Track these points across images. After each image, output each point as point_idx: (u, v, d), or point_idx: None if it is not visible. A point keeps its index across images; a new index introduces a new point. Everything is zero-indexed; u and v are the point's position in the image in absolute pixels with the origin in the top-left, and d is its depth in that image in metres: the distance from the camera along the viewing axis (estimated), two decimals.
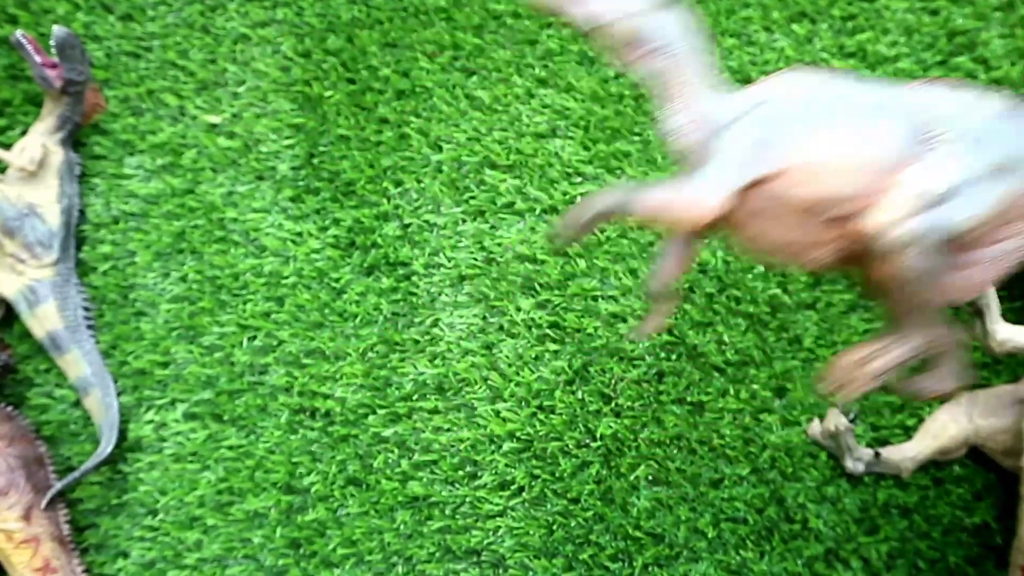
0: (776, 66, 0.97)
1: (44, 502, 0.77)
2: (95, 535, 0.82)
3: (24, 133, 0.98)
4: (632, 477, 0.80)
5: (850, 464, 0.79)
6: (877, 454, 0.78)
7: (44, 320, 0.86)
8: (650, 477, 0.80)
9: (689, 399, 0.83)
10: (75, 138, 0.96)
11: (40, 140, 0.91)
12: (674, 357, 0.85)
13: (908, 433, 0.80)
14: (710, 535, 0.77)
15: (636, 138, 0.95)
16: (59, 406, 0.88)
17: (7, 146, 0.94)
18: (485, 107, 0.98)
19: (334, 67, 1.00)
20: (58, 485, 0.77)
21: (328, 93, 0.99)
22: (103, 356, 0.89)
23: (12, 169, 0.89)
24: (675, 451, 0.81)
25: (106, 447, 0.81)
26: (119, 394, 0.87)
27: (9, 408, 0.83)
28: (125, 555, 0.81)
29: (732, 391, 0.83)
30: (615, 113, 0.97)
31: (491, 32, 1.01)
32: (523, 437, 0.82)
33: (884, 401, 0.82)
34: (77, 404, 0.88)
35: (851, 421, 0.78)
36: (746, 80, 0.97)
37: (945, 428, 0.75)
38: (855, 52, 0.96)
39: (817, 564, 0.76)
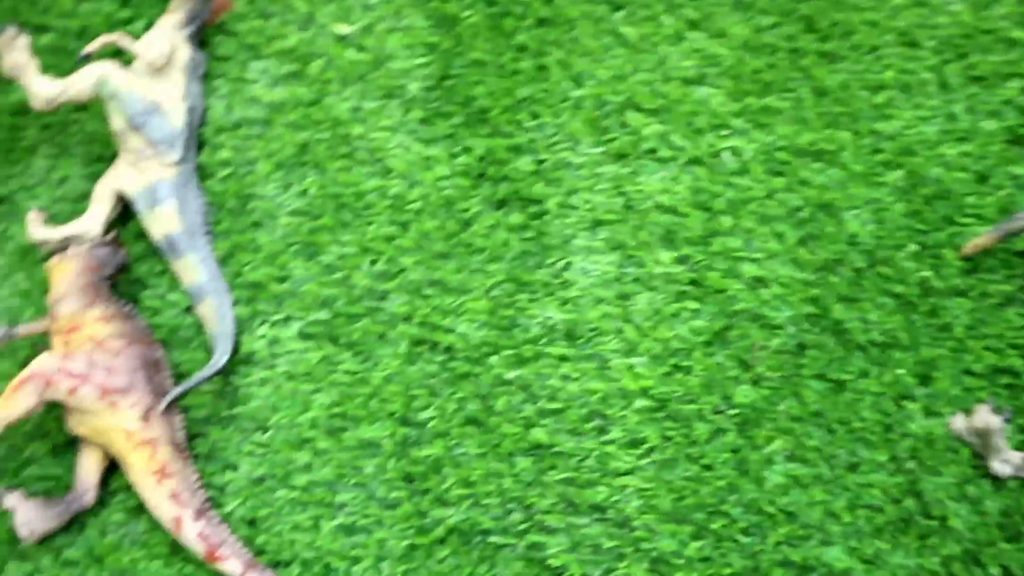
0: (948, 31, 0.90)
1: (163, 405, 0.74)
2: (204, 444, 0.80)
3: (149, 27, 0.94)
4: (768, 450, 0.76)
5: (996, 466, 0.75)
6: None
7: (162, 221, 0.83)
8: (786, 452, 0.76)
9: (829, 376, 0.79)
10: (201, 36, 0.92)
11: (167, 35, 0.86)
12: (817, 330, 0.80)
13: None
14: (845, 520, 0.74)
15: (788, 95, 0.90)
16: (171, 311, 0.85)
17: (134, 38, 0.90)
18: (631, 45, 0.92)
19: None
20: (177, 390, 0.75)
21: (466, 13, 0.93)
22: (217, 264, 0.86)
23: (139, 62, 0.85)
24: (813, 428, 0.77)
25: (221, 358, 0.78)
26: (234, 304, 0.84)
27: (129, 307, 0.80)
28: (234, 468, 0.79)
29: (874, 373, 0.79)
30: (767, 66, 0.91)
31: None
32: (657, 396, 0.78)
33: None
34: (189, 310, 0.85)
35: (1005, 420, 0.73)
36: (913, 44, 0.91)
37: None
38: None
39: (955, 564, 0.73)
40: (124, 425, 0.73)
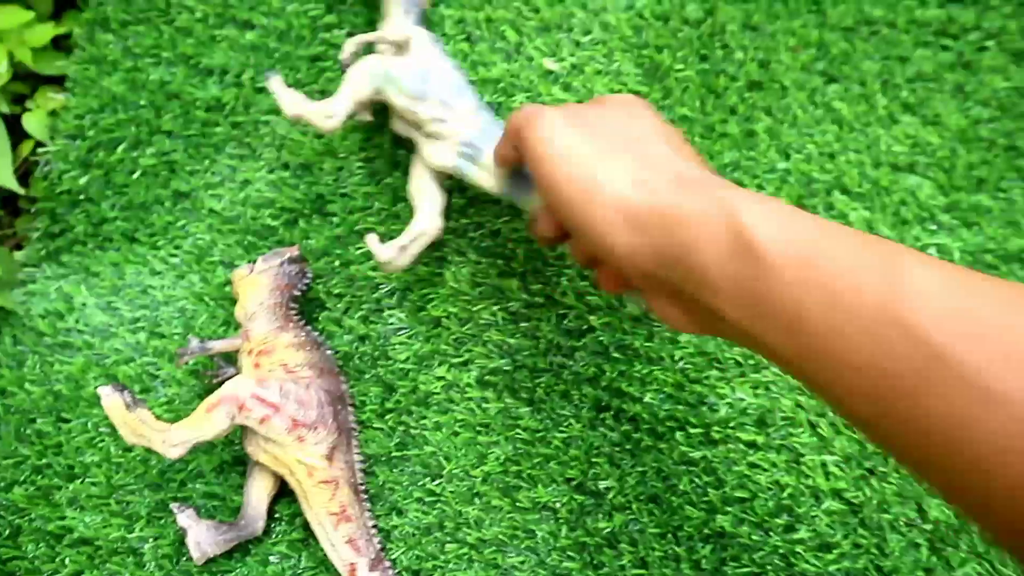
0: None
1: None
2: (373, 484, 0.78)
3: (351, 34, 0.91)
4: (960, 573, 0.73)
5: None
6: None
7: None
8: None
9: None
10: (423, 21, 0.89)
11: (400, 21, 0.81)
12: None
13: None
14: None
15: (1001, 195, 0.86)
16: (346, 336, 0.83)
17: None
18: (843, 122, 0.89)
19: (689, 39, 0.91)
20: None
21: (678, 66, 0.90)
22: (397, 295, 0.84)
23: (384, 47, 0.78)
24: (1008, 555, 0.74)
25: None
26: (411, 336, 0.82)
27: (318, 335, 0.78)
28: (401, 513, 0.77)
29: None
30: (982, 161, 0.87)
31: (862, 38, 0.92)
32: (850, 499, 0.75)
33: None
34: (365, 339, 0.83)
35: None
36: None
37: None
38: None
39: None
40: (308, 460, 0.71)
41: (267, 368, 0.74)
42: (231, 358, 0.81)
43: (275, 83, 0.74)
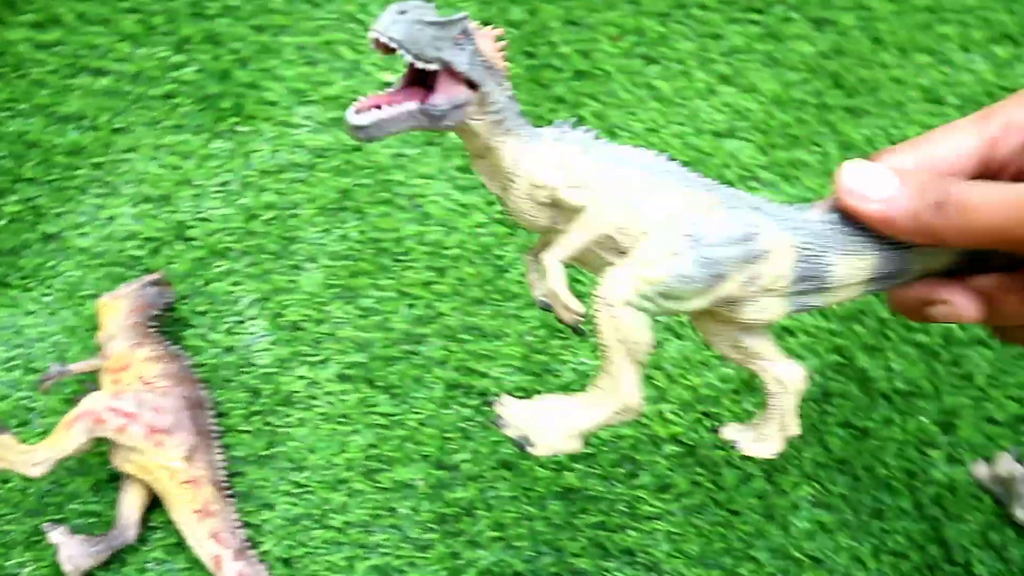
0: (971, 89, 0.93)
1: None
2: (242, 483, 0.82)
3: (201, 71, 0.97)
4: (794, 496, 0.78)
5: (1019, 513, 0.76)
6: None
7: None
8: (812, 498, 0.78)
9: (855, 423, 0.80)
10: None
11: None
12: (842, 379, 0.82)
13: None
14: (870, 566, 0.75)
15: (816, 148, 0.92)
16: (212, 350, 0.88)
17: None
18: (664, 99, 0.95)
19: (515, 39, 0.97)
20: None
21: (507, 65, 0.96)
22: (257, 305, 0.89)
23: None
24: (838, 475, 0.78)
25: None
26: (273, 344, 0.86)
27: (176, 348, 0.82)
28: (270, 507, 0.81)
29: (898, 421, 0.80)
30: (796, 120, 0.94)
31: (676, 21, 0.98)
32: (686, 442, 0.79)
33: None
34: (230, 350, 0.88)
35: None
36: (936, 101, 0.93)
37: None
38: None
39: None
40: (169, 463, 0.75)
41: (126, 383, 0.78)
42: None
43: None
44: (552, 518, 0.78)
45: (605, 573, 0.76)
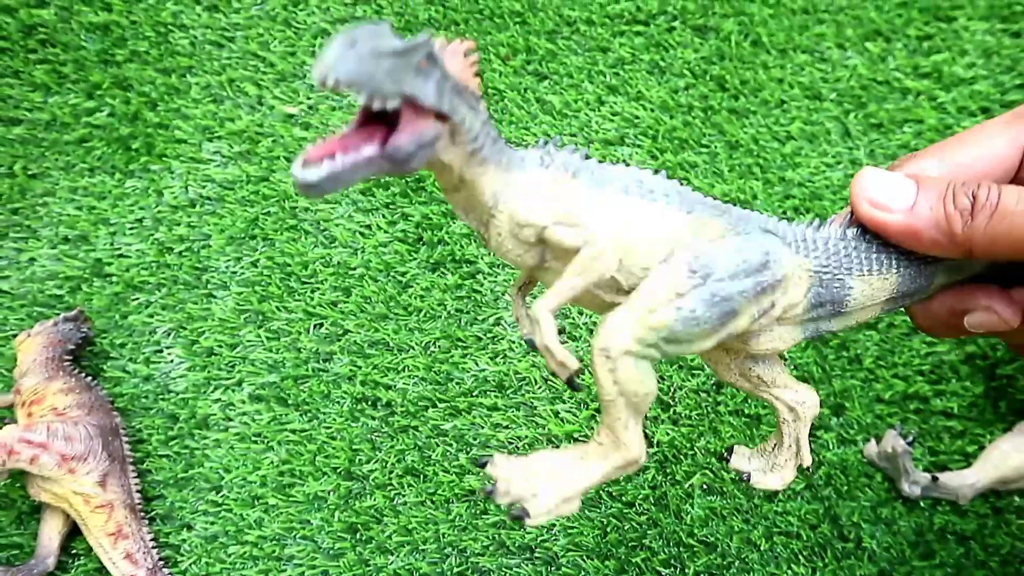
0: (848, 84, 0.96)
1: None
2: (162, 506, 0.84)
3: (112, 114, 1.00)
4: (687, 485, 0.80)
5: (906, 487, 0.78)
6: (935, 479, 0.77)
7: None
8: (704, 486, 0.80)
9: (746, 411, 0.83)
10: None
11: None
12: None
13: (968, 460, 0.79)
14: (763, 547, 0.77)
15: (704, 150, 0.95)
16: (132, 380, 0.90)
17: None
18: (556, 112, 0.98)
19: None
20: None
21: None
22: (173, 334, 0.91)
23: None
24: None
25: None
26: (189, 370, 0.89)
27: (89, 378, 0.84)
28: (189, 527, 0.83)
29: None
30: (683, 124, 0.96)
31: (564, 38, 1.01)
32: (581, 439, 0.82)
33: (943, 426, 0.81)
34: (149, 379, 0.90)
35: (909, 444, 0.77)
36: (816, 97, 0.96)
37: (1007, 457, 0.74)
38: (930, 73, 0.94)
39: None
40: (82, 490, 0.77)
41: (38, 415, 0.80)
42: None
43: None
44: (456, 520, 0.80)
45: (507, 570, 0.77)
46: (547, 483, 0.40)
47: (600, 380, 0.40)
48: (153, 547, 0.78)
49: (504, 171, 0.40)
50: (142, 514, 0.79)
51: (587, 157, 0.42)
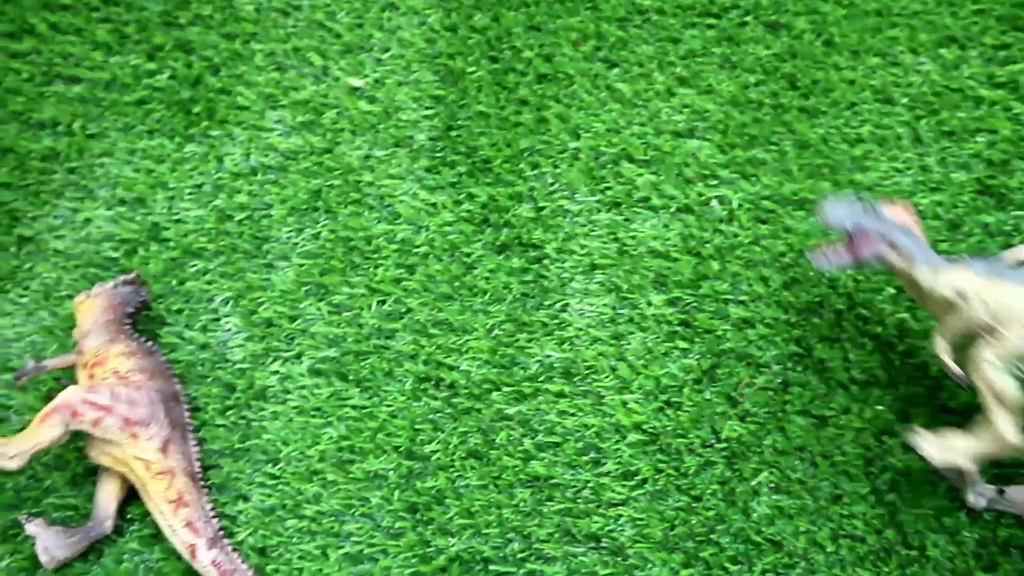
0: (920, 89, 0.95)
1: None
2: (218, 476, 0.82)
3: (173, 77, 0.98)
4: (754, 482, 0.79)
5: (971, 498, 0.77)
6: (1001, 491, 0.76)
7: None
8: (772, 484, 0.79)
9: (813, 412, 0.82)
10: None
11: None
12: (800, 368, 0.83)
13: None
14: (828, 549, 0.76)
15: (773, 147, 0.94)
16: (188, 347, 0.88)
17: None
18: (625, 100, 0.97)
19: (478, 44, 0.98)
20: None
21: (471, 69, 0.98)
22: (231, 303, 0.89)
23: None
24: (797, 462, 0.80)
25: None
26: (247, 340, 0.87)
27: (150, 343, 0.83)
28: (246, 498, 0.81)
29: (855, 409, 0.82)
30: (753, 120, 0.95)
31: (636, 26, 1.00)
32: (649, 430, 0.80)
33: None
34: (205, 347, 0.88)
35: None
36: (888, 101, 0.95)
37: None
38: (1006, 83, 0.93)
39: None
40: (144, 455, 0.75)
41: (100, 377, 0.78)
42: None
43: None
44: (520, 506, 0.79)
45: (572, 559, 0.76)
46: (953, 445, 0.70)
47: (978, 385, 0.70)
48: (213, 516, 0.76)
49: (939, 273, 0.73)
50: (202, 483, 0.78)
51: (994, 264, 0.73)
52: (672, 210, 0.90)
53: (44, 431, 0.74)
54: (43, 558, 0.75)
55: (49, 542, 0.76)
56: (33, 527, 0.76)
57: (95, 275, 0.92)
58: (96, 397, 0.75)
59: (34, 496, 0.82)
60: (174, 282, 0.90)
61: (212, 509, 0.77)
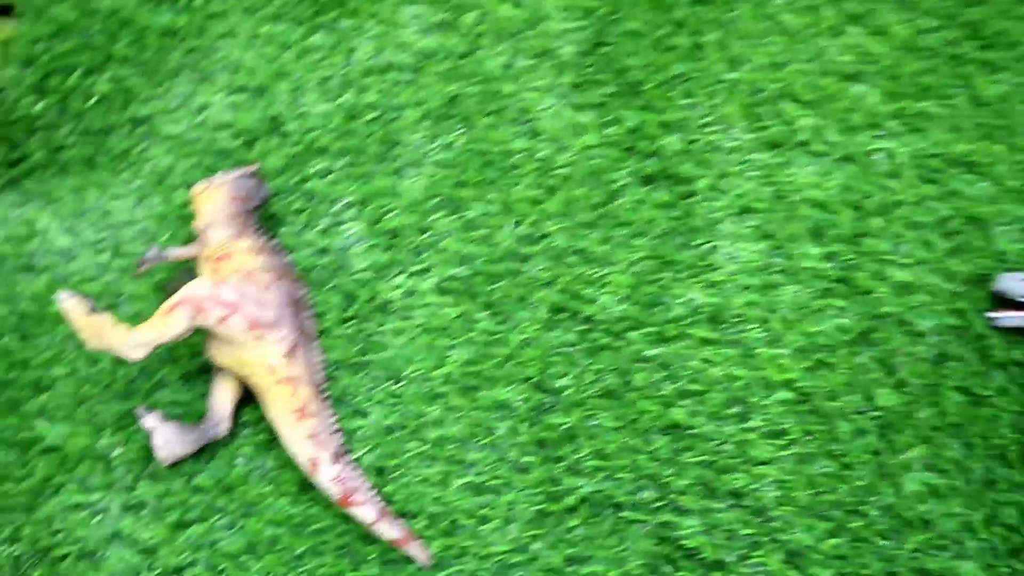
0: None
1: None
2: (335, 388, 0.78)
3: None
4: (906, 456, 0.74)
5: None
6: None
7: None
8: (925, 460, 0.74)
9: (971, 389, 0.76)
10: None
11: None
12: (959, 342, 0.78)
13: None
14: (981, 535, 0.72)
15: (946, 102, 0.87)
16: (306, 250, 0.83)
17: None
18: (790, 33, 0.89)
19: None
20: None
21: None
22: (355, 208, 0.84)
23: None
24: (951, 439, 0.75)
25: None
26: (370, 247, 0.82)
27: (276, 242, 0.78)
28: (364, 415, 0.77)
29: (1014, 392, 0.76)
30: (926, 69, 0.88)
31: None
32: (800, 389, 0.76)
33: None
34: (325, 252, 0.83)
35: None
36: None
37: None
38: None
39: None
40: (268, 360, 0.71)
41: (226, 273, 0.73)
42: (192, 270, 0.81)
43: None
44: (657, 453, 0.74)
45: (710, 513, 0.72)
46: None
47: None
48: (336, 430, 0.72)
49: None
50: (325, 395, 0.74)
51: None
52: (834, 158, 0.83)
53: (168, 324, 0.69)
54: (160, 454, 0.72)
55: (166, 437, 0.72)
56: (151, 420, 0.72)
57: (210, 164, 0.87)
58: (223, 294, 0.71)
59: (145, 388, 0.78)
60: (294, 180, 0.85)
61: (335, 423, 0.73)
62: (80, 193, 0.86)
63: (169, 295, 0.79)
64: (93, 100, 0.87)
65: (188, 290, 0.70)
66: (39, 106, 0.87)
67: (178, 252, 0.77)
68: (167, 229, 0.83)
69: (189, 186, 0.85)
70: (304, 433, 0.71)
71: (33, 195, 0.87)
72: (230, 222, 0.75)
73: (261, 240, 0.75)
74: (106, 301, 0.81)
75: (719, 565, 0.70)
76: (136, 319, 0.81)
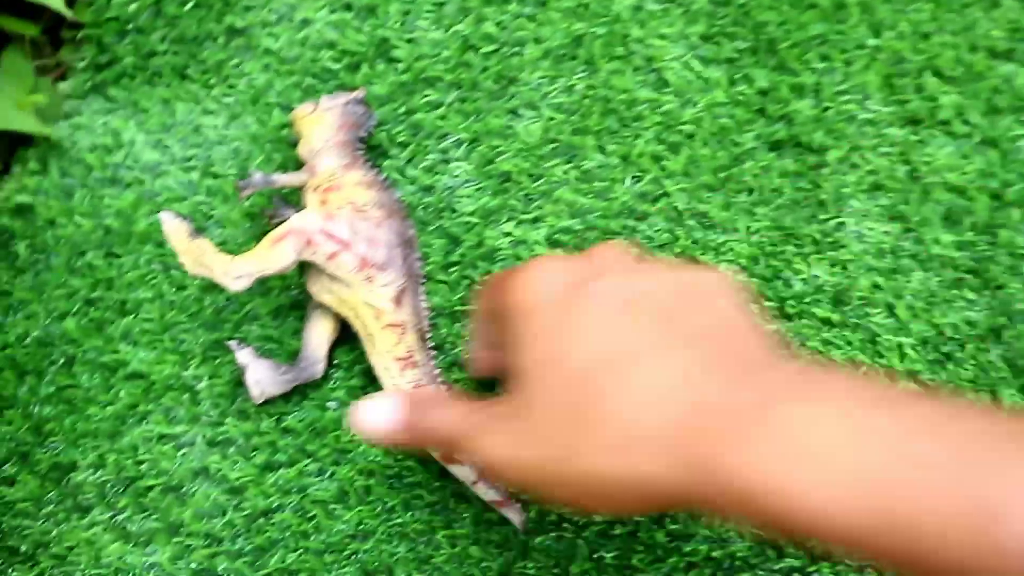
0: None
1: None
2: (435, 336, 0.74)
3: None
4: None
5: None
6: None
7: None
8: None
9: None
10: None
11: None
12: None
13: None
14: None
15: None
16: (409, 187, 0.78)
17: None
18: (940, 1, 0.83)
19: None
20: None
21: None
22: (465, 146, 0.79)
23: None
24: None
25: None
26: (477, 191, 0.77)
27: (387, 178, 0.73)
28: (462, 368, 0.73)
29: None
30: None
31: None
32: (924, 381, 0.72)
33: None
34: (430, 190, 0.78)
35: None
36: None
37: None
38: None
39: None
40: (376, 302, 0.67)
41: (335, 205, 0.69)
42: (291, 200, 0.76)
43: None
44: None
45: None
46: None
47: None
48: (441, 382, 0.68)
49: None
50: (430, 344, 0.70)
51: None
52: (975, 141, 0.78)
53: (274, 256, 0.65)
54: (253, 391, 0.68)
55: (260, 375, 0.69)
56: (244, 356, 0.69)
57: (309, 86, 0.81)
58: (335, 228, 0.66)
59: (235, 320, 0.75)
60: (401, 110, 0.80)
61: (439, 374, 0.69)
62: (169, 105, 0.81)
63: (268, 223, 0.75)
64: (189, 4, 0.82)
65: (298, 221, 0.66)
66: (133, 7, 0.81)
67: (285, 178, 0.72)
68: (260, 151, 0.79)
69: (286, 107, 0.80)
70: (408, 384, 0.67)
71: (120, 103, 0.82)
72: (341, 151, 0.71)
73: (372, 173, 0.70)
74: (195, 223, 0.76)
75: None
76: (225, 244, 0.77)
